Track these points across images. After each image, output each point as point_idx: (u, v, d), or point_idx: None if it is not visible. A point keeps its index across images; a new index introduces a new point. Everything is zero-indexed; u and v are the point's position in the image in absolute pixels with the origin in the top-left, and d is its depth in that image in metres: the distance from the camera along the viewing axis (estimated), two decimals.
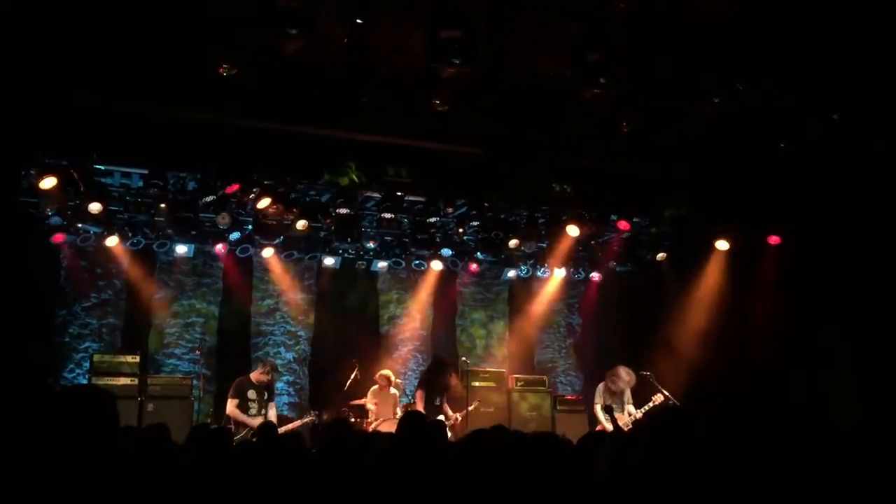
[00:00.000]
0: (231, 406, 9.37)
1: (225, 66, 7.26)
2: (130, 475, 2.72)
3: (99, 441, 2.36)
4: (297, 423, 9.74)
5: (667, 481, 2.64)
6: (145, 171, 9.45)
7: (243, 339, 11.75)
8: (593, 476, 3.35)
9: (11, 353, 8.92)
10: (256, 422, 9.11)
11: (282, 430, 8.73)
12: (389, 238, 11.38)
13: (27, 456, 2.41)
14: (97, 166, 9.26)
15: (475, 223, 11.03)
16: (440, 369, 10.43)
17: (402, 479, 3.69)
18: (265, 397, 9.60)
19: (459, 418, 10.32)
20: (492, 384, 11.80)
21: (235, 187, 9.59)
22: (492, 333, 13.16)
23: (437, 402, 10.37)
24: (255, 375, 9.67)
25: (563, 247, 11.57)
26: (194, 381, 10.33)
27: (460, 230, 11.06)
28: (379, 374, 10.64)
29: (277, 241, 10.68)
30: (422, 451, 4.55)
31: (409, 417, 5.31)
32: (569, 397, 12.26)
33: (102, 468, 2.33)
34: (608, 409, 9.25)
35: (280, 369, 11.65)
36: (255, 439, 8.15)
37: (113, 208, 9.77)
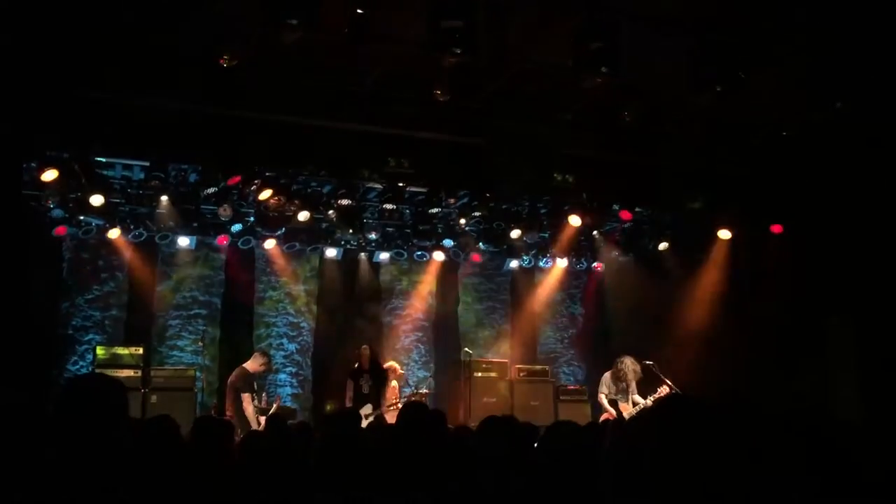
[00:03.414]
0: (247, 401, 9.20)
1: (225, 57, 7.25)
2: (138, 465, 2.73)
3: (108, 430, 2.37)
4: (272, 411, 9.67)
5: (669, 470, 2.63)
6: (147, 164, 9.44)
7: (246, 331, 11.76)
8: (598, 464, 3.35)
9: (14, 346, 8.92)
10: (260, 419, 9.08)
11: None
12: (391, 229, 11.38)
13: (35, 445, 2.42)
14: (98, 159, 9.25)
15: (477, 214, 11.03)
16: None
17: (403, 468, 3.70)
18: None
19: (388, 408, 9.98)
20: (494, 374, 11.81)
21: (237, 179, 9.58)
22: (494, 324, 13.16)
23: (366, 389, 10.13)
24: (253, 366, 9.61)
25: (565, 237, 11.57)
26: (197, 373, 10.35)
27: (462, 221, 11.06)
28: (385, 365, 10.69)
29: (279, 232, 10.68)
30: (421, 442, 4.56)
31: (409, 408, 5.33)
32: (571, 387, 12.28)
33: (111, 457, 2.33)
34: (613, 400, 9.27)
35: (283, 360, 11.70)
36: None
37: (115, 200, 9.77)
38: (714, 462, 2.58)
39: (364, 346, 10.52)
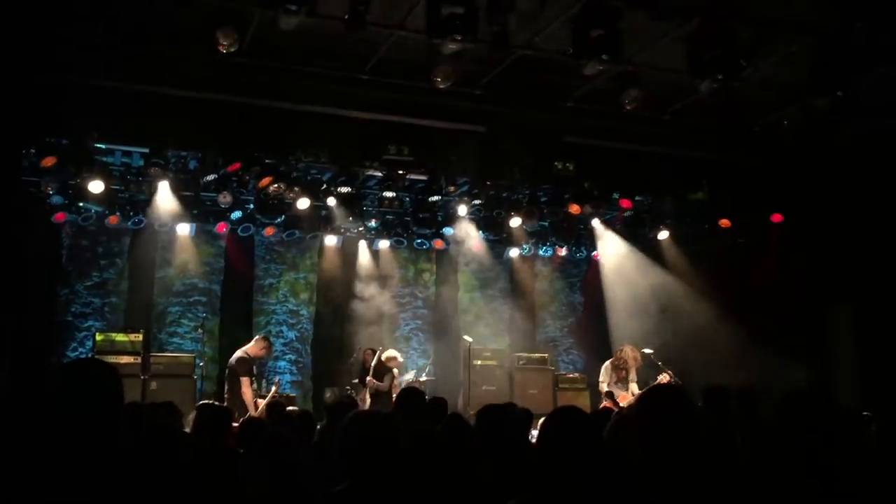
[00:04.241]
0: (246, 385, 9.15)
1: (225, 43, 7.20)
2: (136, 451, 2.72)
3: (103, 414, 2.36)
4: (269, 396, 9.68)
5: (667, 459, 2.64)
6: (146, 150, 9.42)
7: (245, 318, 11.77)
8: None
9: (13, 333, 8.93)
10: (258, 403, 9.08)
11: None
12: (391, 217, 11.37)
13: (31, 431, 2.41)
14: (98, 145, 9.22)
15: (477, 202, 11.02)
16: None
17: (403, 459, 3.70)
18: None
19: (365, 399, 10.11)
20: (494, 362, 11.83)
21: (237, 166, 9.55)
22: (494, 312, 13.16)
23: (356, 379, 10.31)
24: (254, 350, 9.58)
25: (566, 225, 11.55)
26: (197, 360, 10.36)
27: (462, 208, 11.03)
28: (384, 355, 10.71)
29: (279, 219, 10.66)
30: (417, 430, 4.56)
31: (406, 393, 5.35)
32: (571, 375, 12.30)
33: (107, 441, 2.32)
34: (613, 388, 9.27)
35: (283, 348, 11.70)
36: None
37: (114, 187, 9.75)
38: (700, 453, 2.57)
39: (367, 350, 10.57)
